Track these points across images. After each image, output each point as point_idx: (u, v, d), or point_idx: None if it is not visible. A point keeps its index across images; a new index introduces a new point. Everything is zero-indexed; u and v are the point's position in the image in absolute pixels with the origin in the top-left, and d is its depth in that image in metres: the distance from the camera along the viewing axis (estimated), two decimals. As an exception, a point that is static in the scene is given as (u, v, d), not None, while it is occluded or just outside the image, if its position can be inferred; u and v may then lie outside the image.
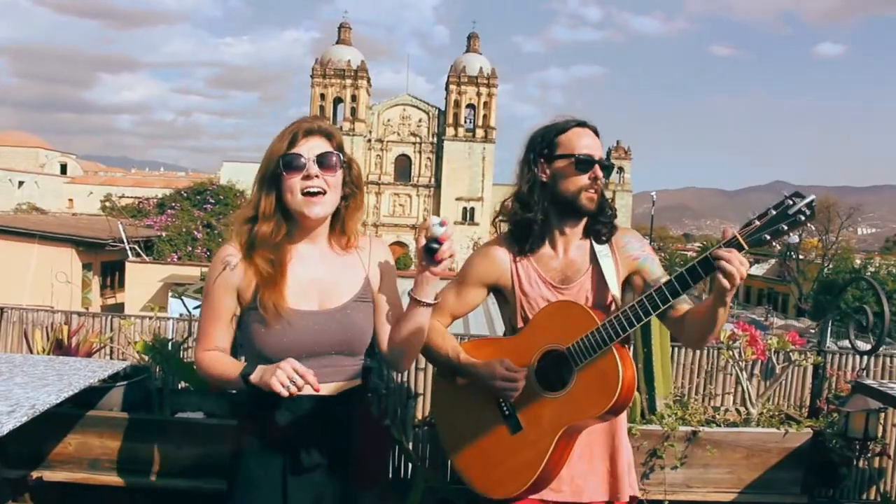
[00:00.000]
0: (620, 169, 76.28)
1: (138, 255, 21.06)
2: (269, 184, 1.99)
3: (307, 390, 1.82)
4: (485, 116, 71.75)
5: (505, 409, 2.27)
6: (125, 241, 20.62)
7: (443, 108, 72.31)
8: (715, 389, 4.03)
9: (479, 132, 71.53)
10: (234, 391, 2.96)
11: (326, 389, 2.00)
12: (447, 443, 2.45)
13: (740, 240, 1.86)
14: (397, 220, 71.13)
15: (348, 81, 71.00)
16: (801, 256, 55.60)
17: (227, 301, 2.02)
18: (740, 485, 3.31)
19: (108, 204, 34.42)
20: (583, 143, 2.26)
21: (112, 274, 25.39)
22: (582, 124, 2.31)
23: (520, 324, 2.34)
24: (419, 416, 3.65)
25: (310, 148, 1.98)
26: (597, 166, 2.24)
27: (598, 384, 2.10)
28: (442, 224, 1.87)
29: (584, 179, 2.24)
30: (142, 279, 19.15)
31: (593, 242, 2.33)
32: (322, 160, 1.98)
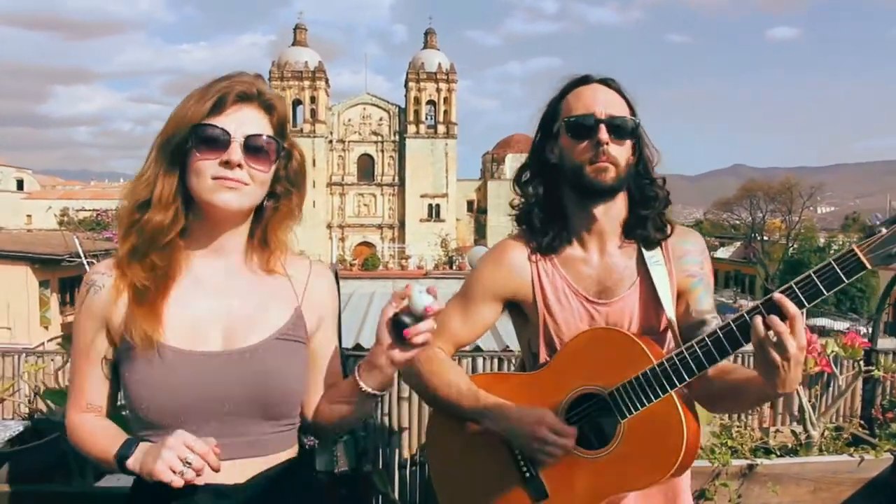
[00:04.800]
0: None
1: (96, 269, 20.49)
2: (171, 157, 1.40)
3: (209, 473, 1.27)
4: (445, 112, 71.02)
5: (524, 468, 1.73)
6: (82, 255, 19.99)
7: (403, 106, 71.56)
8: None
9: (441, 128, 70.79)
10: None
11: (234, 472, 1.40)
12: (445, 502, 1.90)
13: (861, 257, 1.36)
14: (363, 220, 70.39)
15: (306, 83, 69.87)
16: (765, 237, 55.89)
17: (94, 336, 1.43)
18: (807, 525, 2.78)
19: (64, 218, 33.58)
20: (580, 103, 1.70)
21: (72, 290, 24.83)
22: (585, 80, 1.74)
23: (542, 350, 1.80)
24: (406, 453, 3.14)
25: (239, 121, 1.39)
26: (602, 126, 1.65)
27: (653, 442, 1.58)
28: (429, 292, 1.32)
29: (582, 147, 1.67)
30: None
31: (642, 247, 1.77)
32: (252, 145, 1.39)
